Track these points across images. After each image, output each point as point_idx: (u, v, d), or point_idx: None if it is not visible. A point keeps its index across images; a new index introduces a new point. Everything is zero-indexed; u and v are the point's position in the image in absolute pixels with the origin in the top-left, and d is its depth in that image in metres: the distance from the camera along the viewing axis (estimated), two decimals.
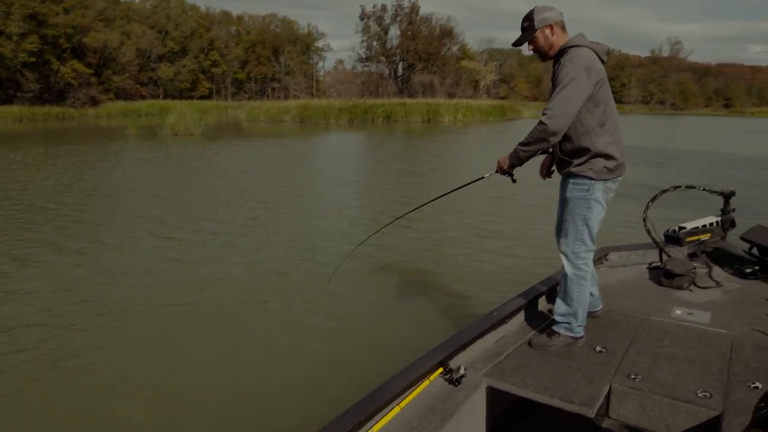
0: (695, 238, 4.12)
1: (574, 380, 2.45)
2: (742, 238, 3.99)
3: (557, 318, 2.90)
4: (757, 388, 2.31)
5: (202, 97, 75.07)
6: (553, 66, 2.79)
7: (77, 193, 10.49)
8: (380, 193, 10.90)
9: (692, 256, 4.02)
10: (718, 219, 4.21)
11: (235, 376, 3.84)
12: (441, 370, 2.43)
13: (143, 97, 63.04)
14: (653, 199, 4.14)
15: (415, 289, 5.56)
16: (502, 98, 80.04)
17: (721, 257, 3.99)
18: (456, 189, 3.38)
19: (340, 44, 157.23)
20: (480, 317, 2.91)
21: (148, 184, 11.52)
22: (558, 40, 2.79)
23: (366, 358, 4.12)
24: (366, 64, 79.98)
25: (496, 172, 2.97)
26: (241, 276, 5.77)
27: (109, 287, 5.39)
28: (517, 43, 2.92)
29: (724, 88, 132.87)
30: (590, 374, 2.50)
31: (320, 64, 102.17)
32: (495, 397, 2.47)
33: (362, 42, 79.46)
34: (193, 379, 3.79)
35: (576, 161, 2.78)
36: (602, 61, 2.77)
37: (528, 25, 2.80)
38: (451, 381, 2.39)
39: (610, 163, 2.77)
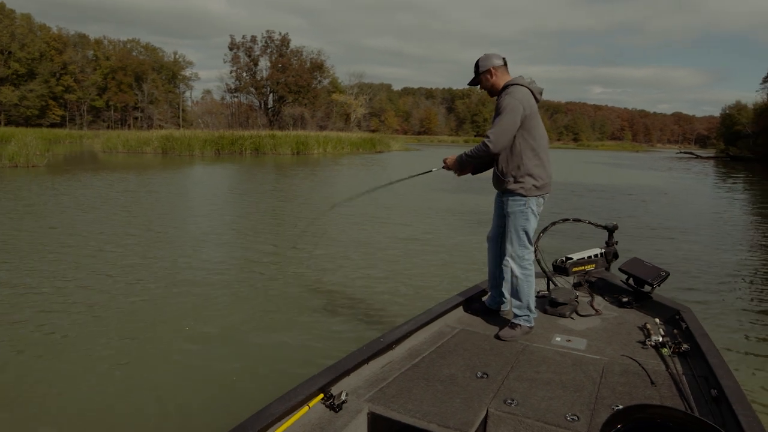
0: (581, 268, 4.37)
1: (453, 405, 2.50)
2: (620, 270, 4.21)
3: (516, 312, 3.48)
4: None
5: (53, 125, 69.54)
6: (498, 99, 3.41)
7: None
8: (222, 240, 10.35)
9: (577, 285, 4.29)
10: (602, 251, 4.47)
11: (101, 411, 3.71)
12: (321, 396, 2.42)
13: None
14: (543, 230, 4.36)
15: (307, 313, 5.53)
16: (373, 131, 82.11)
17: (603, 287, 4.25)
18: (406, 178, 4.13)
19: (209, 74, 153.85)
20: (366, 343, 2.93)
21: None
22: (498, 80, 3.47)
23: (246, 386, 4.06)
24: (235, 95, 78.53)
25: (443, 168, 3.70)
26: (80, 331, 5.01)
27: None
28: (471, 84, 3.62)
29: (572, 124, 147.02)
30: (469, 399, 2.56)
31: (187, 93, 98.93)
32: (376, 422, 2.47)
33: (231, 72, 77.98)
34: None
35: (510, 180, 3.39)
36: (536, 99, 3.43)
37: (476, 70, 3.52)
38: (331, 407, 2.39)
39: (538, 182, 3.40)
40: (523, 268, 3.48)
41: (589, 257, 4.43)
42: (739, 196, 21.21)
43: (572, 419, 2.40)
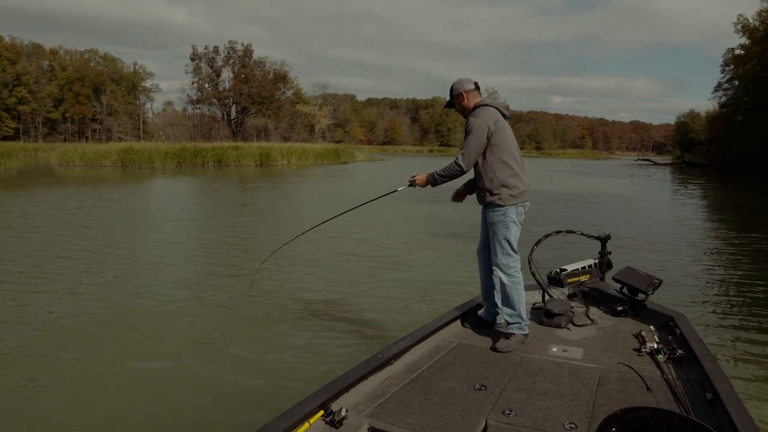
0: (575, 279, 4.44)
1: (451, 418, 2.52)
2: (614, 279, 4.26)
3: (509, 320, 3.57)
4: None
5: (6, 138, 67.33)
6: (467, 121, 3.67)
7: None
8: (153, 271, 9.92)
9: (572, 296, 4.36)
10: (596, 261, 4.55)
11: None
12: (322, 412, 2.43)
13: None
14: (537, 243, 4.43)
15: (301, 329, 5.45)
16: (338, 142, 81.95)
17: (597, 297, 4.30)
18: (372, 200, 4.20)
19: (170, 85, 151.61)
20: (365, 359, 2.95)
21: None
22: (469, 103, 3.73)
23: (244, 405, 4.00)
24: (197, 106, 77.32)
25: (410, 185, 3.83)
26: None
27: None
28: (447, 106, 3.90)
29: (534, 133, 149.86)
30: (468, 411, 2.58)
31: (148, 105, 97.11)
32: None
33: (193, 83, 76.79)
34: None
35: (487, 193, 3.60)
36: (504, 116, 3.69)
37: (450, 94, 3.80)
38: (332, 423, 2.40)
39: (513, 191, 3.59)
40: (509, 275, 3.59)
41: (583, 268, 4.49)
42: (701, 202, 21.68)
43: (570, 427, 2.43)
